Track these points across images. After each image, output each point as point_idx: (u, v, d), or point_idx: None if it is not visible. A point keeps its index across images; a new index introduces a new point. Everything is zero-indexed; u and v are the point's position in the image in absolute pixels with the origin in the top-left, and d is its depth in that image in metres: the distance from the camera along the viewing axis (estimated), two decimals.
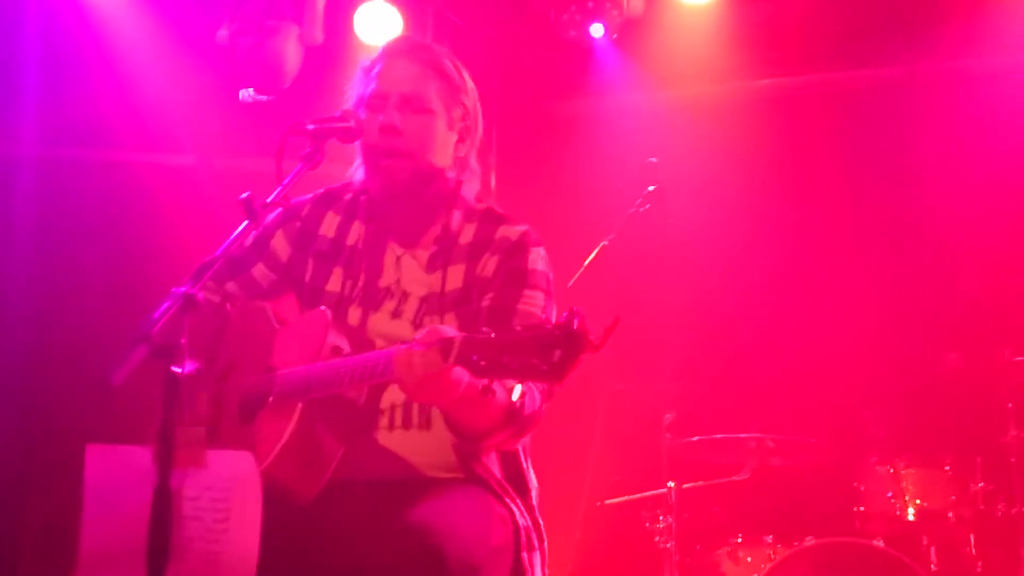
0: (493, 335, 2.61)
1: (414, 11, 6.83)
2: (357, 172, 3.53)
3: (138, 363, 2.45)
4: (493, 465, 3.31)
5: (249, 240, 3.48)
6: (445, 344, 2.70)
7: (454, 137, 3.48)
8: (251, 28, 6.53)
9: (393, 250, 3.44)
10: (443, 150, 3.44)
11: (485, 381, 2.63)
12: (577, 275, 5.97)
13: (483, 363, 2.60)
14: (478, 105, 3.59)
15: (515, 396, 2.68)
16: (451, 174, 3.49)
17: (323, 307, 3.27)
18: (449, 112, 3.46)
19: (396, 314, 3.34)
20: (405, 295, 3.36)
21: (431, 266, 3.38)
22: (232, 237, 2.89)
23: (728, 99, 7.41)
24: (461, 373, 2.76)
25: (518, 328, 2.60)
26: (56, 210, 7.06)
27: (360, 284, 3.41)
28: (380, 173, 3.39)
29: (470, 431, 3.11)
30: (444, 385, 2.77)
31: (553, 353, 2.50)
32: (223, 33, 6.62)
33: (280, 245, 3.55)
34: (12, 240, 6.92)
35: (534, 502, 3.39)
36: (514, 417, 3.04)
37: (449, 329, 2.78)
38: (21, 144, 7.05)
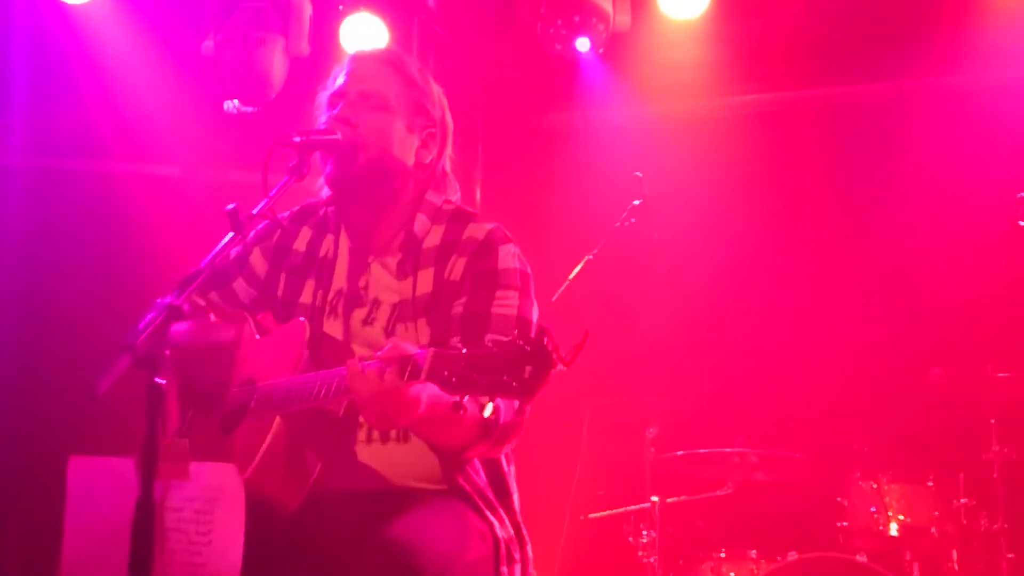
0: (464, 350, 2.60)
1: (400, 23, 6.82)
2: (324, 190, 3.53)
3: (122, 374, 2.44)
4: (477, 474, 3.30)
5: (232, 253, 3.47)
6: (403, 362, 2.70)
7: (415, 141, 3.46)
8: (237, 39, 6.51)
9: (362, 257, 3.43)
10: (402, 148, 3.42)
11: (456, 397, 2.61)
12: (561, 289, 5.97)
13: (454, 379, 2.59)
14: (448, 118, 3.58)
15: (487, 412, 2.66)
16: (416, 178, 3.47)
17: (301, 317, 3.26)
18: (410, 115, 3.45)
19: (368, 321, 3.33)
20: (377, 302, 3.35)
21: (400, 272, 3.37)
22: (217, 248, 2.88)
23: (714, 114, 7.43)
24: (419, 391, 2.75)
25: (489, 343, 2.58)
26: (42, 219, 7.08)
27: (333, 294, 3.40)
28: (334, 164, 3.34)
29: (445, 447, 3.12)
30: (400, 402, 2.75)
31: (523, 370, 2.51)
32: (208, 44, 6.61)
33: (258, 261, 3.55)
34: (0, 248, 6.92)
35: (516, 506, 3.38)
36: (490, 430, 3.04)
37: (411, 346, 2.76)
38: (9, 153, 7.05)
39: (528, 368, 2.50)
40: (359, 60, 3.54)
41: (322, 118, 3.45)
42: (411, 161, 3.45)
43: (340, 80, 3.46)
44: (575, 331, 2.57)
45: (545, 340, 2.51)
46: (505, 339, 2.58)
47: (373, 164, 3.35)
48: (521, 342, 2.53)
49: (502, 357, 2.54)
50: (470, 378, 2.56)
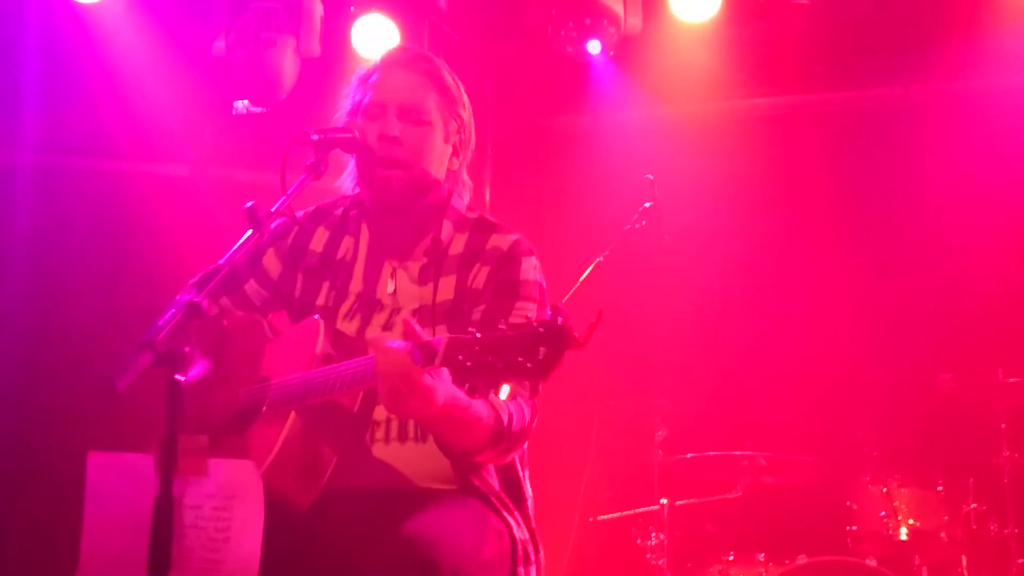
0: (478, 335, 2.60)
1: (411, 25, 6.82)
2: (347, 182, 3.54)
3: (142, 370, 2.44)
4: (491, 477, 3.30)
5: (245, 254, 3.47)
6: (419, 346, 2.70)
7: (449, 150, 3.48)
8: (248, 40, 6.52)
9: (387, 263, 3.43)
10: (439, 162, 3.44)
11: (470, 382, 2.64)
12: (571, 291, 5.95)
13: (469, 363, 2.59)
14: (472, 118, 3.59)
15: (503, 395, 2.65)
16: (444, 186, 3.48)
17: (316, 315, 3.26)
18: (446, 124, 3.45)
19: (388, 326, 3.32)
20: (397, 308, 3.35)
21: (423, 278, 3.37)
22: (236, 246, 2.88)
23: (724, 117, 7.42)
24: (434, 382, 2.74)
25: (503, 327, 2.59)
26: (53, 216, 7.10)
27: (351, 297, 3.40)
28: (376, 182, 3.36)
29: (458, 449, 3.11)
30: (411, 384, 2.72)
31: (538, 351, 2.51)
32: (219, 44, 6.61)
33: (271, 263, 3.53)
34: (11, 245, 6.94)
35: (530, 511, 3.38)
36: (502, 435, 3.04)
37: (426, 333, 2.76)
38: (20, 151, 7.06)
39: (543, 349, 2.51)
40: (395, 68, 3.48)
41: (364, 131, 3.39)
42: (444, 172, 3.47)
43: (378, 94, 3.41)
44: (582, 328, 2.57)
45: (560, 320, 2.51)
46: (520, 321, 2.59)
47: (414, 182, 3.37)
48: (536, 323, 2.54)
49: (517, 339, 2.54)
50: (485, 361, 2.57)
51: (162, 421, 2.47)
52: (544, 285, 3.38)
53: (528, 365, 2.51)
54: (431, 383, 2.74)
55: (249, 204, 2.91)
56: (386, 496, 3.14)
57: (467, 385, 2.69)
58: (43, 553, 6.60)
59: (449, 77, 3.50)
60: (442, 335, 2.69)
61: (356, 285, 3.42)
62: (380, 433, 3.20)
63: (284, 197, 3.02)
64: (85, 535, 2.69)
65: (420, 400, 2.76)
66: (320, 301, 3.42)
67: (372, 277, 3.42)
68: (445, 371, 2.73)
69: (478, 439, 3.03)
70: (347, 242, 3.50)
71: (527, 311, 3.26)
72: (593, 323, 2.51)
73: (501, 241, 3.38)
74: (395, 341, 2.77)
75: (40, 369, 6.92)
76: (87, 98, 7.04)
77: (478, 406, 2.94)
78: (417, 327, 2.77)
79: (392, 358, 2.74)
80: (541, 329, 2.52)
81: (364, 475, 3.15)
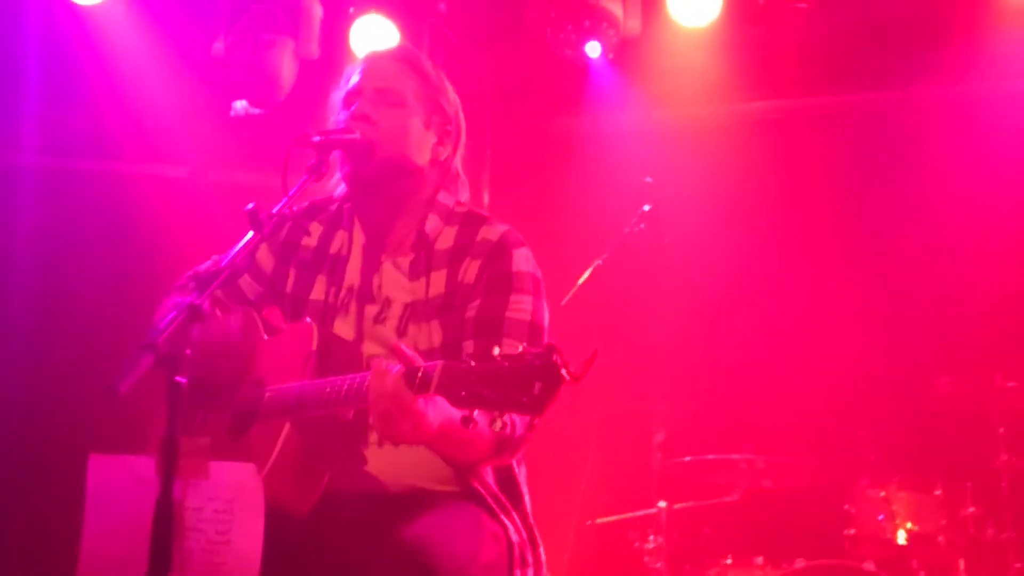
0: (473, 364, 2.60)
1: (411, 26, 6.82)
2: (338, 184, 3.54)
3: (144, 372, 2.44)
4: (488, 476, 3.31)
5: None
6: (413, 372, 2.70)
7: (432, 137, 3.48)
8: (247, 41, 6.52)
9: (375, 255, 3.43)
10: (418, 146, 3.43)
11: (465, 411, 2.62)
12: (570, 294, 5.95)
13: (463, 393, 2.59)
14: (461, 114, 3.59)
15: (497, 427, 2.67)
16: (431, 176, 3.48)
17: (308, 319, 3.26)
18: (426, 111, 3.45)
19: (380, 319, 3.33)
20: (388, 301, 3.34)
21: (413, 273, 3.36)
22: (237, 248, 2.88)
23: (723, 120, 7.42)
24: (426, 408, 2.74)
25: (499, 357, 2.58)
26: (54, 217, 7.10)
27: (345, 291, 3.39)
28: (352, 163, 3.35)
29: (458, 463, 3.14)
30: (408, 413, 2.73)
31: (533, 385, 2.50)
32: (219, 46, 6.61)
33: (264, 257, 3.54)
34: (12, 247, 6.94)
35: (528, 509, 3.38)
36: (503, 445, 3.06)
37: (419, 358, 2.76)
38: (21, 153, 7.07)
39: (538, 384, 2.50)
40: (374, 59, 3.56)
41: (338, 117, 3.45)
42: (427, 158, 3.46)
43: (355, 79, 3.47)
44: (584, 337, 2.57)
45: (554, 356, 2.50)
46: (515, 352, 2.57)
47: (390, 161, 3.36)
48: (530, 357, 2.53)
49: (512, 372, 2.53)
50: (480, 393, 2.56)
51: (162, 423, 2.47)
52: (538, 276, 3.37)
53: (524, 399, 2.51)
54: (423, 408, 2.74)
55: (250, 206, 2.91)
56: (382, 500, 3.14)
57: (462, 415, 2.67)
58: (43, 554, 6.60)
59: (431, 69, 3.52)
60: (437, 362, 2.69)
61: (351, 278, 3.42)
62: (373, 437, 3.19)
63: (285, 199, 3.02)
64: (85, 537, 2.69)
65: (411, 423, 2.75)
66: (315, 296, 3.42)
67: (366, 271, 3.42)
68: (440, 397, 2.71)
69: (478, 453, 3.07)
70: (341, 236, 3.50)
71: (522, 304, 3.26)
72: (589, 359, 2.50)
73: (490, 233, 3.37)
74: (392, 364, 2.77)
75: (41, 370, 6.93)
76: (87, 100, 7.04)
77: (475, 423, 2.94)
78: (409, 351, 2.78)
79: (386, 382, 2.74)
80: (537, 362, 2.51)
81: (359, 480, 3.15)
